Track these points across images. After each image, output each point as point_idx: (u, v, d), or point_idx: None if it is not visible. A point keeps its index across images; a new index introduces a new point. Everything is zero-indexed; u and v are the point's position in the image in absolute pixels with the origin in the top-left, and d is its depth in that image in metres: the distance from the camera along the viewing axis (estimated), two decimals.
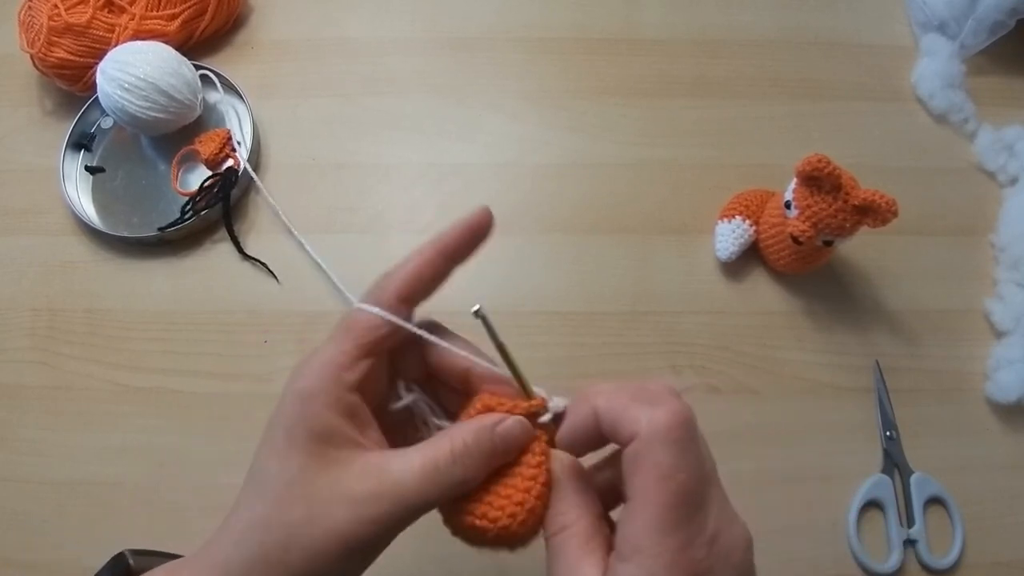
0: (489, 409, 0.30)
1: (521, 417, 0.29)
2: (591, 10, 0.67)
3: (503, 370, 0.30)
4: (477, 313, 0.28)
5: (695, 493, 0.25)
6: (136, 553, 0.29)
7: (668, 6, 0.68)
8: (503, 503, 0.28)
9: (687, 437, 0.25)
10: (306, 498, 0.27)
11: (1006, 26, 0.61)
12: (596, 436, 0.28)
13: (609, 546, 0.27)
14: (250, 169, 0.59)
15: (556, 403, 0.30)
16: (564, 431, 0.29)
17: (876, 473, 0.50)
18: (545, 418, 0.30)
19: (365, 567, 0.28)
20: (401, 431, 0.31)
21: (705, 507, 0.25)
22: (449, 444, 0.28)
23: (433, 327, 0.31)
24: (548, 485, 0.29)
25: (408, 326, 0.30)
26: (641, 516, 0.24)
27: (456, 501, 0.29)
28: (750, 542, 0.26)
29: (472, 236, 0.31)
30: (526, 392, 0.30)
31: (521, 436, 0.29)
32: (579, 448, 0.30)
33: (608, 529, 0.28)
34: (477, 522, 0.28)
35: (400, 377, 0.32)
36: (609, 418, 0.27)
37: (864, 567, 0.48)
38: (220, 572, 0.26)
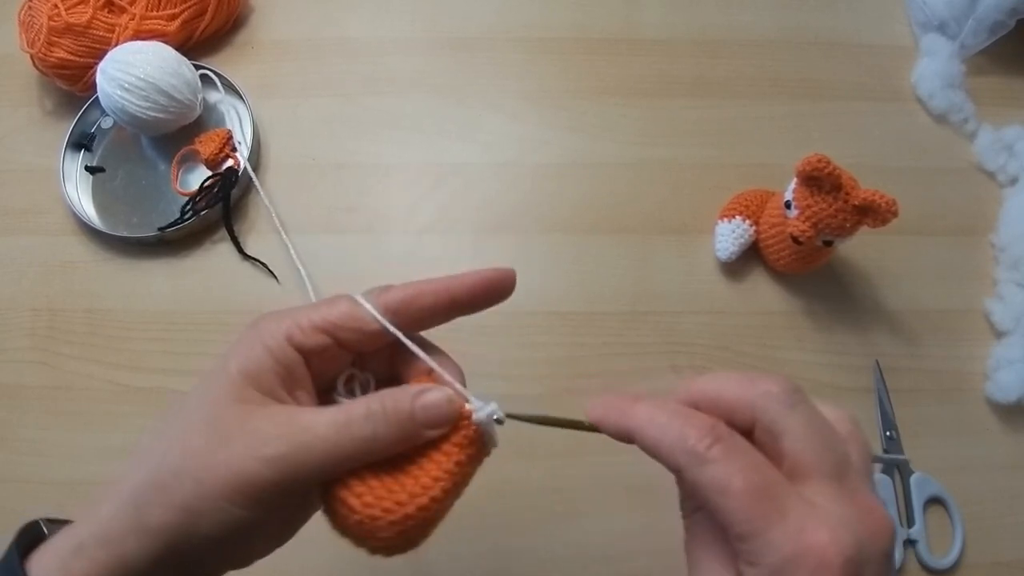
0: None
1: (450, 392, 0.28)
2: (591, 10, 0.67)
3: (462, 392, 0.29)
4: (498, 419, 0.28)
5: (842, 453, 0.25)
6: (52, 522, 0.29)
7: (668, 6, 0.68)
8: (385, 493, 0.27)
9: (806, 399, 0.26)
10: (210, 427, 0.26)
11: (1006, 26, 0.61)
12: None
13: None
14: (250, 169, 0.59)
15: (492, 409, 0.28)
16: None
17: (876, 473, 0.50)
18: (480, 414, 0.28)
19: (259, 525, 0.27)
20: None
21: (854, 469, 0.25)
22: (366, 402, 0.27)
23: (414, 339, 0.30)
24: (447, 495, 0.27)
25: (383, 321, 0.29)
26: (803, 483, 0.24)
27: (344, 474, 0.27)
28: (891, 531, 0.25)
29: (486, 293, 0.30)
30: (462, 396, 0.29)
31: (446, 411, 0.28)
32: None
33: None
34: (348, 499, 0.27)
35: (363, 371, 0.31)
36: (720, 406, 0.26)
37: None
38: (117, 498, 0.26)
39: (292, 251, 0.56)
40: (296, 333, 0.28)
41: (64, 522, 0.28)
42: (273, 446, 0.26)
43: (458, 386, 0.29)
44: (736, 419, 0.26)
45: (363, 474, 0.27)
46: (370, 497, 0.27)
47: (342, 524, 0.27)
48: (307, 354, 0.29)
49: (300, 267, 0.56)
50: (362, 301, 0.29)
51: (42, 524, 0.29)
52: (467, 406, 0.28)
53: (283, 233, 0.57)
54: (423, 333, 0.31)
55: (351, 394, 0.30)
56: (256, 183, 0.59)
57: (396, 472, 0.28)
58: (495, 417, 0.29)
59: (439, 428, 0.28)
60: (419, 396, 0.28)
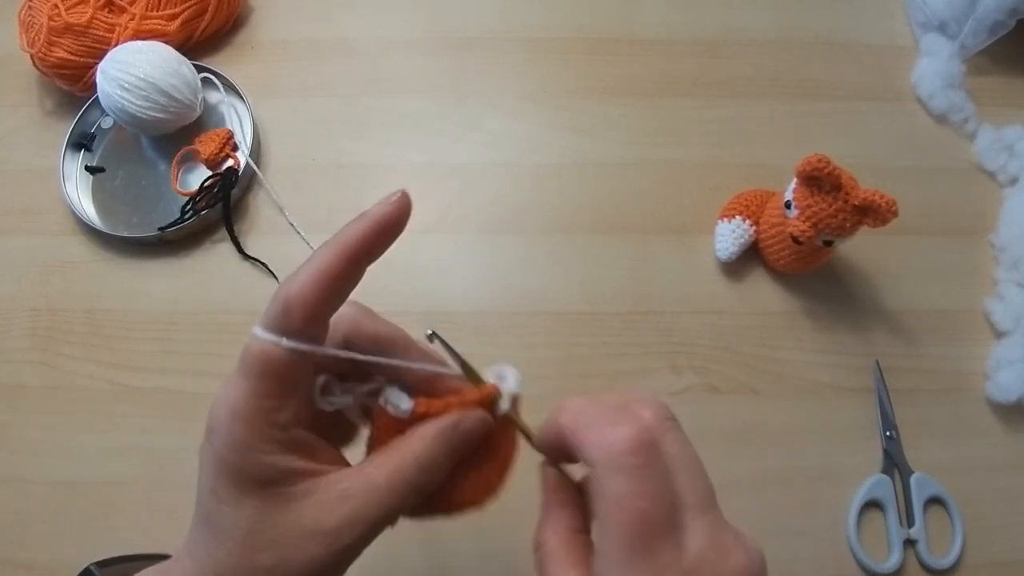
0: (432, 412, 0.28)
1: (481, 412, 0.29)
2: (591, 10, 0.67)
3: (446, 367, 0.30)
4: (431, 336, 0.28)
5: (658, 522, 0.23)
6: (102, 565, 0.29)
7: (668, 6, 0.68)
8: (473, 485, 0.29)
9: (645, 462, 0.23)
10: (274, 542, 0.25)
11: (1006, 26, 0.61)
12: (568, 452, 0.26)
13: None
14: (252, 163, 0.59)
15: (509, 383, 0.29)
16: (537, 446, 0.29)
17: (876, 473, 0.50)
18: (504, 405, 0.29)
19: None
20: (334, 419, 0.30)
21: (678, 536, 0.23)
22: (412, 454, 0.27)
23: (365, 312, 0.29)
24: (512, 457, 0.29)
25: (337, 353, 0.27)
26: (605, 546, 0.23)
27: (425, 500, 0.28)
28: (756, 571, 0.24)
29: (383, 233, 0.26)
30: (475, 381, 0.29)
31: (483, 428, 0.28)
32: (556, 459, 0.28)
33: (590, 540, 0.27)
34: (454, 511, 0.29)
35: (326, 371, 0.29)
36: (571, 440, 0.25)
37: (864, 567, 0.48)
38: None
39: (312, 247, 0.56)
40: (277, 416, 0.26)
41: (114, 561, 0.28)
42: (345, 536, 0.26)
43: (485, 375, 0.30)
44: (582, 455, 0.25)
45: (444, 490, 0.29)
46: (466, 497, 0.29)
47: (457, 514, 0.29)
48: (297, 417, 0.26)
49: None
50: (304, 347, 0.25)
51: (93, 570, 0.29)
52: (501, 387, 0.29)
53: (296, 229, 0.57)
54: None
55: (332, 396, 0.29)
56: (261, 177, 0.59)
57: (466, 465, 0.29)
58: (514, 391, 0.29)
59: (480, 440, 0.29)
60: (458, 428, 0.28)
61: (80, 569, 0.28)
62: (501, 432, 0.29)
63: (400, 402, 0.29)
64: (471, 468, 0.29)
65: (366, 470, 0.27)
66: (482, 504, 0.29)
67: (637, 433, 0.24)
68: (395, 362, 0.28)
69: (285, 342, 0.25)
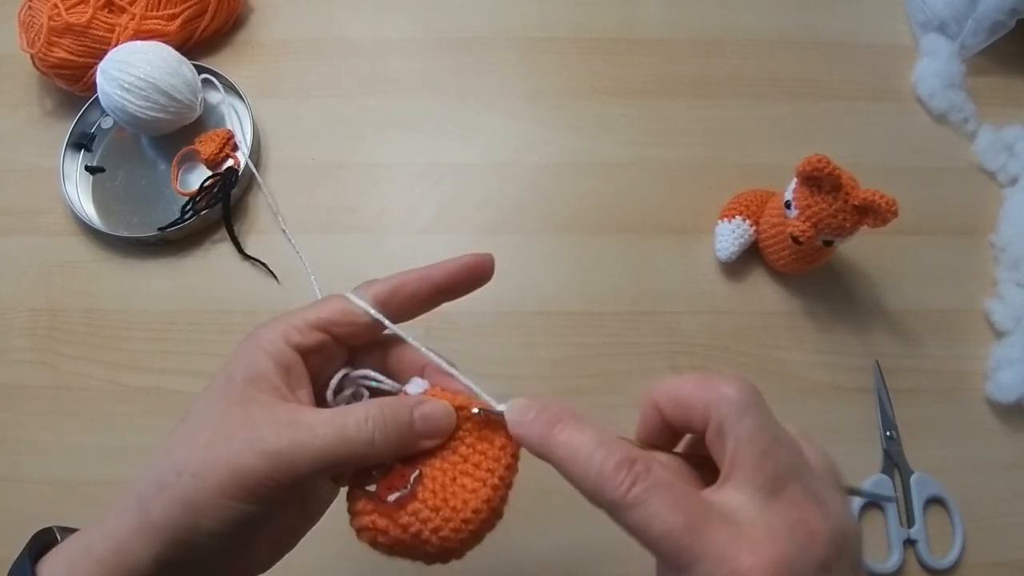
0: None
1: (446, 403, 0.29)
2: (591, 10, 0.67)
3: (460, 379, 0.30)
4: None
5: (788, 459, 0.25)
6: (65, 530, 0.29)
7: (668, 6, 0.68)
8: (439, 503, 0.27)
9: (764, 406, 0.26)
10: (213, 427, 0.27)
11: (1006, 26, 0.61)
12: (666, 432, 0.28)
13: None
14: (252, 166, 0.59)
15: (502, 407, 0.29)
16: (638, 434, 0.29)
17: (876, 473, 0.50)
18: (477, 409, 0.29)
19: (259, 525, 0.27)
20: None
21: (800, 472, 0.25)
22: (366, 407, 0.28)
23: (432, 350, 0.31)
24: (492, 506, 0.28)
25: (372, 312, 0.30)
26: (740, 487, 0.24)
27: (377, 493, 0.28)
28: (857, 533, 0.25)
29: (466, 278, 0.31)
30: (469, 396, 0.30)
31: (444, 423, 0.29)
32: (659, 444, 0.29)
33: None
34: (413, 525, 0.27)
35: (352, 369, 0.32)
36: (684, 402, 0.27)
37: (864, 567, 0.48)
38: (124, 500, 0.27)
39: (296, 251, 0.56)
40: (293, 334, 0.29)
41: (76, 530, 0.29)
42: (270, 441, 0.26)
43: (484, 395, 0.29)
44: (693, 418, 0.26)
45: (418, 494, 0.28)
46: (429, 516, 0.27)
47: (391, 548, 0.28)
48: (305, 352, 0.29)
49: (305, 266, 0.56)
50: (354, 298, 0.30)
51: (56, 531, 0.29)
52: (499, 407, 0.28)
53: (287, 232, 0.57)
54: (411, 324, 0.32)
55: (344, 395, 0.31)
56: (259, 180, 0.59)
57: (445, 484, 0.28)
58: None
59: (436, 439, 0.29)
60: (419, 406, 0.28)
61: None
62: (496, 450, 0.29)
63: (416, 386, 0.30)
64: (457, 482, 0.28)
65: (323, 409, 0.28)
66: (470, 531, 0.27)
67: (747, 384, 0.26)
68: (422, 349, 0.31)
69: (349, 294, 0.30)
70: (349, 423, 0.27)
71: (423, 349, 0.31)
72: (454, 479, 0.28)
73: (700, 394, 0.26)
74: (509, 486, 0.29)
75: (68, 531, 0.29)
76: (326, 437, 0.27)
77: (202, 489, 0.26)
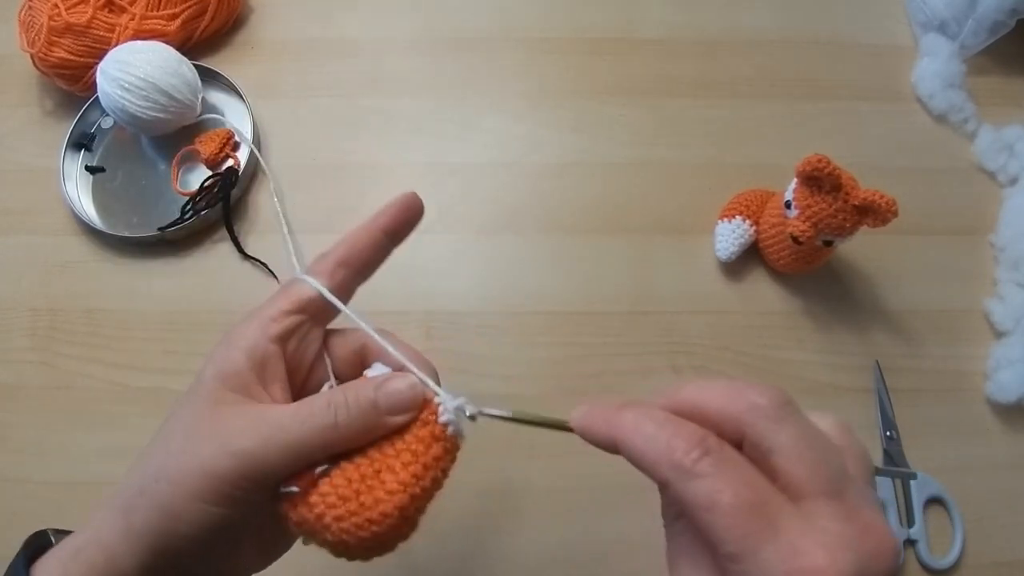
0: None
1: (409, 376, 0.28)
2: (591, 10, 0.67)
3: (393, 353, 0.30)
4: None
5: (837, 463, 0.24)
6: (60, 532, 0.29)
7: (668, 6, 0.68)
8: (352, 499, 0.26)
9: (800, 414, 0.24)
10: (187, 431, 0.27)
11: (1006, 26, 0.61)
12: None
13: None
14: (257, 153, 0.59)
15: (460, 403, 0.28)
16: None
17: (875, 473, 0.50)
18: (444, 415, 0.28)
19: (239, 528, 0.27)
20: None
21: (852, 482, 0.23)
22: (327, 392, 0.28)
23: (381, 333, 0.31)
24: (416, 499, 0.27)
25: (326, 293, 0.30)
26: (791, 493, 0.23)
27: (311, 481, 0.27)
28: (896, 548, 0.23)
29: (407, 216, 0.33)
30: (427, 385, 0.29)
31: (408, 396, 0.28)
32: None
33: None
34: (318, 506, 0.26)
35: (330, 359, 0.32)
36: (711, 410, 0.25)
37: None
38: (110, 504, 0.28)
39: (292, 252, 0.56)
40: (268, 324, 0.29)
41: (70, 532, 0.29)
42: (240, 441, 0.26)
43: (428, 380, 0.29)
44: (722, 433, 0.24)
45: (333, 478, 0.27)
46: (335, 502, 0.26)
47: (310, 527, 0.27)
48: (285, 337, 0.30)
49: (304, 266, 0.56)
50: (310, 280, 0.30)
51: (50, 533, 0.30)
52: (436, 399, 0.28)
53: (285, 231, 0.57)
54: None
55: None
56: (266, 168, 0.58)
57: (365, 476, 0.27)
58: (468, 413, 0.29)
59: (402, 414, 0.28)
60: (382, 384, 0.28)
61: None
62: (429, 459, 0.28)
63: (376, 371, 0.30)
64: (385, 468, 0.27)
65: (289, 406, 0.28)
66: (373, 532, 0.26)
67: (777, 392, 0.24)
68: (383, 343, 0.30)
69: (304, 277, 0.30)
70: (314, 411, 0.27)
71: (370, 331, 0.31)
72: (377, 472, 0.27)
73: (728, 406, 0.24)
74: (430, 499, 0.28)
75: (62, 533, 0.29)
76: (292, 429, 0.27)
77: (178, 495, 0.26)
